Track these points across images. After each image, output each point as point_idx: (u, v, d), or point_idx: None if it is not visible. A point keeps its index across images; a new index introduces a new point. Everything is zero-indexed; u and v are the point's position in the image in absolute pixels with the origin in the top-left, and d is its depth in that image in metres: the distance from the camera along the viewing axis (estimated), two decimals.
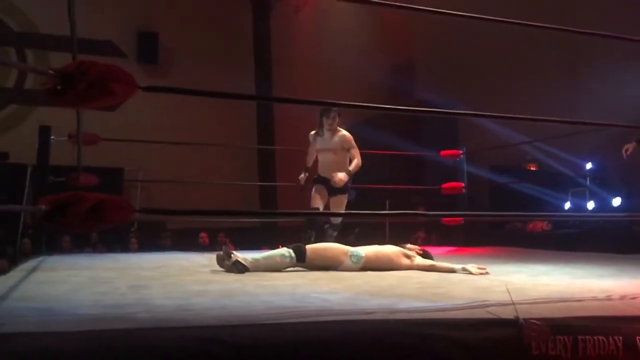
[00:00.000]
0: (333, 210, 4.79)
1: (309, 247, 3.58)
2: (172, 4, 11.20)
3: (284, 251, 3.48)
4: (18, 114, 10.69)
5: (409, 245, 3.78)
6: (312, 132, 4.97)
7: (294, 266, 3.49)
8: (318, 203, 4.79)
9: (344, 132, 4.85)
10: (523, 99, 8.47)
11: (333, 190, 4.79)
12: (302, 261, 3.48)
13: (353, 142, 4.81)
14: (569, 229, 6.73)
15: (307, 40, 11.35)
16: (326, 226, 4.68)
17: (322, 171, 4.91)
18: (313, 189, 4.88)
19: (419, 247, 3.83)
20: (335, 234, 4.68)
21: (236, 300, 2.21)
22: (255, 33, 11.90)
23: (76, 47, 2.47)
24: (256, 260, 3.42)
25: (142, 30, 11.35)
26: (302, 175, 5.03)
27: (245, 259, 3.37)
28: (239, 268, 3.31)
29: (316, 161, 5.00)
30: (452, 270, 3.45)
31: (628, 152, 4.54)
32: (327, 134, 4.85)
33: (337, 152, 4.82)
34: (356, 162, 4.77)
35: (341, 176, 4.64)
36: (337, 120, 4.80)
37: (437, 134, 9.43)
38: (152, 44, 11.35)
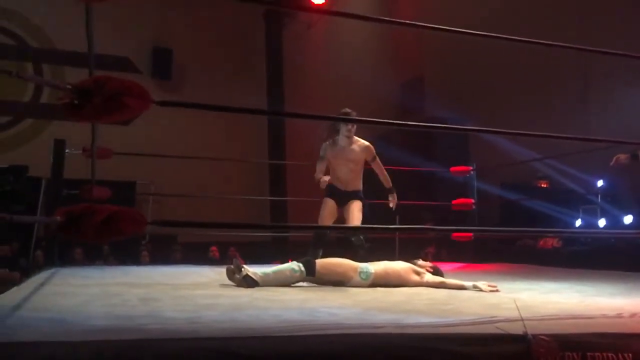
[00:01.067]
0: (350, 215, 4.52)
1: (318, 261, 3.59)
2: (187, 21, 11.36)
3: (294, 265, 3.49)
4: (34, 128, 10.84)
5: (420, 262, 3.77)
6: (327, 142, 4.66)
7: (303, 280, 3.50)
8: (327, 223, 4.57)
9: (363, 141, 4.62)
10: (534, 115, 8.47)
11: (344, 199, 4.58)
12: (311, 275, 3.48)
13: (374, 152, 4.60)
14: (580, 246, 6.67)
15: (319, 56, 11.44)
16: (356, 241, 4.45)
17: (336, 182, 4.64)
18: (323, 205, 4.62)
19: (430, 264, 3.82)
20: (364, 244, 4.45)
21: (245, 313, 2.23)
22: (267, 49, 12.02)
23: (93, 63, 2.52)
24: (266, 274, 3.43)
25: (157, 47, 11.50)
26: (321, 178, 4.61)
27: (255, 273, 3.39)
28: (249, 282, 3.33)
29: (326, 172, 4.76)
30: (463, 287, 3.44)
31: (619, 161, 4.52)
32: (344, 141, 4.56)
33: (358, 163, 4.59)
34: (386, 174, 4.63)
35: (396, 199, 4.64)
36: (355, 127, 4.56)
37: (448, 150, 9.42)
38: (166, 60, 11.51)
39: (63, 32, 10.40)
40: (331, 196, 4.64)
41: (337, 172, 4.63)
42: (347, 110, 4.44)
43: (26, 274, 5.65)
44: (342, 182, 4.61)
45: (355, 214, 4.53)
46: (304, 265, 3.48)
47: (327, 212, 4.59)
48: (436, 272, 3.74)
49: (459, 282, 3.51)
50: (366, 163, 4.67)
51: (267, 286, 3.35)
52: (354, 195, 4.61)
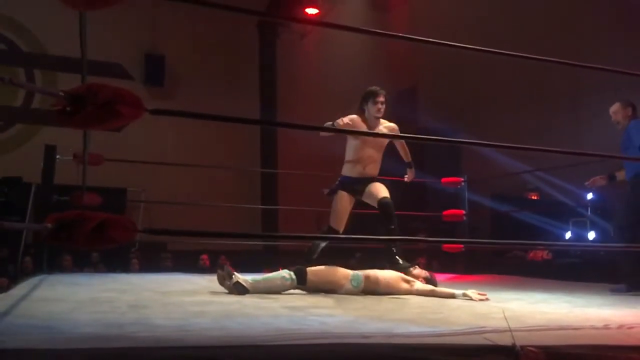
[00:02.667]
0: (376, 190, 3.98)
1: (309, 269, 3.59)
2: (180, 28, 11.37)
3: (285, 273, 3.49)
4: (23, 133, 10.79)
5: (416, 271, 3.79)
6: (355, 116, 4.07)
7: (294, 288, 3.50)
8: (342, 223, 4.02)
9: (388, 122, 4.18)
10: (525, 127, 8.54)
11: (361, 186, 4.03)
12: (302, 284, 3.49)
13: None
14: (570, 258, 6.71)
15: (312, 65, 11.49)
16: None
17: (353, 170, 4.08)
18: (337, 199, 4.05)
19: (425, 272, 3.85)
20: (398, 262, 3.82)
21: (235, 321, 2.22)
22: (261, 58, 12.05)
23: (86, 69, 2.53)
24: (257, 281, 3.43)
25: (149, 53, 11.50)
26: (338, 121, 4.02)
27: (245, 280, 3.38)
28: (239, 289, 3.32)
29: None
30: (453, 296, 3.46)
31: (595, 183, 4.59)
32: (372, 122, 4.05)
33: (383, 146, 4.13)
34: (407, 149, 4.24)
35: (413, 174, 4.25)
36: (385, 105, 4.01)
37: (440, 161, 9.47)
38: (158, 66, 11.49)
39: (55, 37, 10.37)
40: (345, 189, 4.11)
41: (359, 154, 4.06)
42: (376, 88, 4.06)
43: (14, 280, 5.60)
44: (361, 166, 4.05)
45: (382, 188, 4.01)
46: (295, 274, 3.48)
47: (342, 206, 4.07)
48: (430, 281, 3.77)
49: (449, 291, 3.53)
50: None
51: (258, 293, 3.35)
52: (372, 179, 4.11)
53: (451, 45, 2.47)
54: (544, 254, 7.09)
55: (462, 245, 5.82)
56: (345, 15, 10.61)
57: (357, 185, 4.06)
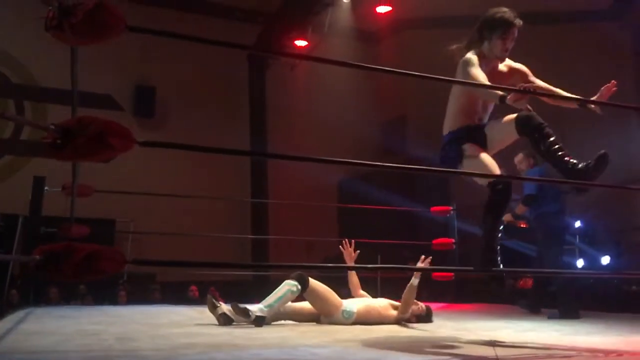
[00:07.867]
0: (505, 119, 2.86)
1: (311, 279, 3.62)
2: (170, 60, 11.47)
3: (292, 286, 3.52)
4: (13, 165, 10.74)
5: (413, 307, 3.86)
6: (472, 53, 2.92)
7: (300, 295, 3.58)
8: (495, 166, 2.90)
9: (514, 63, 3.09)
10: (512, 156, 8.62)
11: (483, 132, 2.97)
12: (304, 290, 3.54)
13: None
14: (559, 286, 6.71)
15: (301, 96, 11.61)
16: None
17: (468, 118, 3.00)
18: (475, 158, 2.91)
19: (422, 307, 3.92)
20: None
21: (224, 352, 2.21)
22: (251, 89, 12.16)
23: (76, 102, 2.55)
24: (271, 307, 3.46)
25: (140, 85, 11.57)
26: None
27: (262, 310, 3.41)
28: (259, 322, 3.33)
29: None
30: (412, 286, 3.75)
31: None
32: (494, 62, 2.97)
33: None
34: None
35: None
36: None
37: (429, 190, 9.53)
38: (149, 98, 11.55)
39: (45, 69, 10.42)
40: (470, 140, 2.96)
41: (471, 102, 3.00)
42: (509, 14, 2.91)
43: (0, 313, 5.51)
44: (479, 113, 3.02)
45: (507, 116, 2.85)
46: (299, 282, 3.52)
47: (478, 153, 2.91)
48: (427, 316, 3.86)
49: (410, 286, 3.78)
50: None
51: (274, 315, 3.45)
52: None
53: (437, 78, 2.52)
54: (533, 282, 7.09)
55: (452, 274, 5.83)
56: (335, 47, 10.77)
57: (475, 132, 2.97)
